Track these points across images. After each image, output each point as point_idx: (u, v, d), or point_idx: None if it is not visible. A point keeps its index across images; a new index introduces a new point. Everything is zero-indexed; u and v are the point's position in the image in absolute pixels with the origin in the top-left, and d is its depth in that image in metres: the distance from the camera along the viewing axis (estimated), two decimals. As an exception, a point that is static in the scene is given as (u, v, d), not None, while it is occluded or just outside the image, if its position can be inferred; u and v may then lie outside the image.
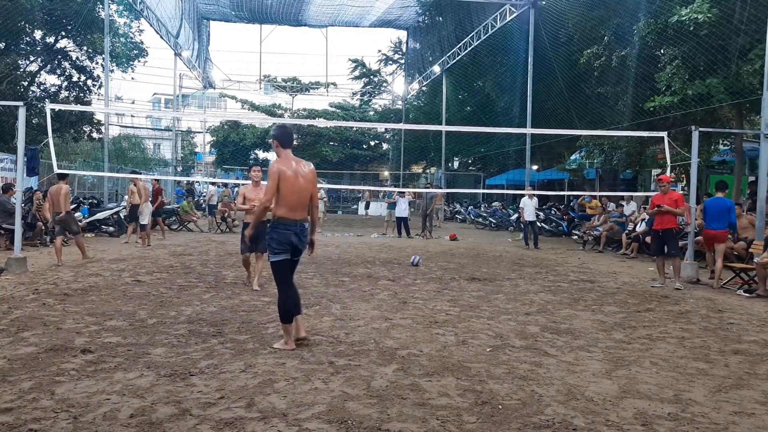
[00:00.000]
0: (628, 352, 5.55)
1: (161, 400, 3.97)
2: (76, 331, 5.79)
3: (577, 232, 18.75)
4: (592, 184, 24.42)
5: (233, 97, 44.30)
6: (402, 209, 19.47)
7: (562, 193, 22.80)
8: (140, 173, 16.66)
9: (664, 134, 10.94)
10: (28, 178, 13.53)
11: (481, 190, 27.79)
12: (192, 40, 31.20)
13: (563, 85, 19.67)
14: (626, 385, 4.55)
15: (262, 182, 8.19)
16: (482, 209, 26.64)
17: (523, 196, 17.92)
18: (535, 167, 26.29)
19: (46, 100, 11.15)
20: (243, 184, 10.08)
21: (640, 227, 14.66)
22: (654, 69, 15.16)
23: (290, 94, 45.23)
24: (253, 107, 44.18)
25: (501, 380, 4.58)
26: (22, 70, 19.54)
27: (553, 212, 22.17)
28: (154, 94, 60.55)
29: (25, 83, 19.84)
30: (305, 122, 40.40)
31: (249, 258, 8.71)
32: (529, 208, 16.74)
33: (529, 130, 19.78)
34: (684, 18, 13.33)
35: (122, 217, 16.20)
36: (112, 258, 11.75)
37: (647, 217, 14.39)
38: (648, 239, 12.81)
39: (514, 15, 21.95)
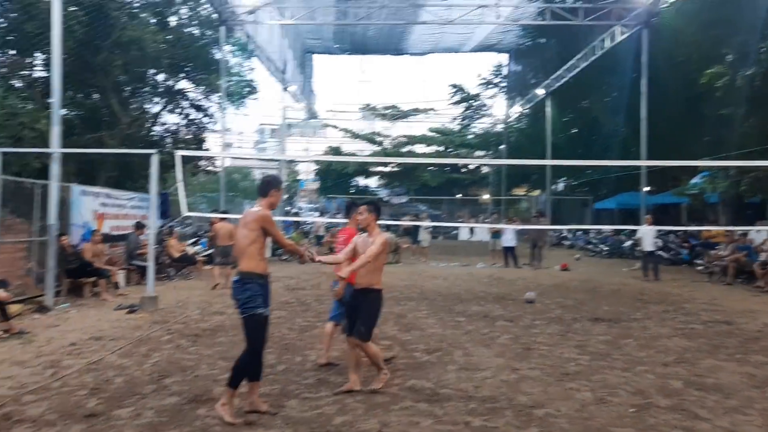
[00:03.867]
0: (789, 416, 5.06)
1: (306, 464, 3.98)
2: (213, 378, 5.97)
3: (700, 262, 17.62)
4: (714, 210, 22.92)
5: (335, 126, 45.53)
6: (509, 238, 19.08)
7: (681, 228, 21.23)
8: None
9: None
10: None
11: (596, 227, 26.18)
12: (297, 74, 32.32)
13: (679, 107, 18.70)
14: (798, 462, 4.13)
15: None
16: (592, 235, 25.64)
17: (638, 224, 17.11)
18: (647, 189, 25.07)
19: (176, 150, 11.96)
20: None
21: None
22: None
23: (390, 122, 45.87)
24: (354, 135, 45.15)
25: (654, 451, 4.28)
26: (147, 112, 20.95)
27: (671, 239, 21.00)
28: (260, 124, 63.26)
29: (149, 124, 21.22)
30: (398, 160, 40.55)
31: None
32: (647, 237, 15.93)
33: (644, 162, 18.83)
34: (820, 33, 12.36)
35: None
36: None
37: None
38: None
39: (625, 36, 21.18)
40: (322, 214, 35.93)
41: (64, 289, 10.84)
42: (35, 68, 16.05)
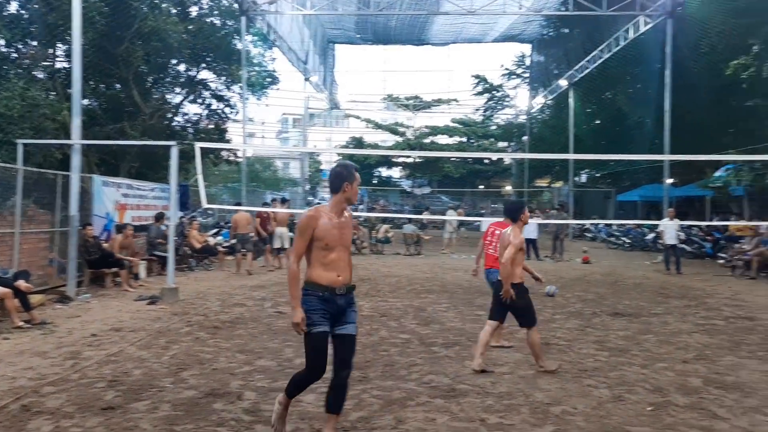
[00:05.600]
0: (812, 417, 4.95)
1: (319, 460, 3.98)
2: (230, 371, 6.00)
3: (723, 255, 17.36)
4: (738, 203, 22.55)
5: (357, 117, 45.54)
6: (530, 230, 18.91)
7: (704, 223, 20.89)
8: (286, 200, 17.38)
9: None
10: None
11: (617, 221, 25.92)
12: (319, 64, 32.30)
13: (705, 98, 18.34)
14: (822, 466, 4.04)
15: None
16: (615, 228, 25.35)
17: (661, 217, 16.88)
18: (670, 180, 24.71)
19: (196, 142, 12.13)
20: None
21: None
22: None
23: (412, 112, 45.74)
24: (377, 126, 45.12)
25: (672, 452, 4.22)
26: (168, 103, 21.07)
27: (694, 232, 20.69)
28: (283, 114, 63.49)
29: (170, 114, 21.35)
30: (420, 153, 40.36)
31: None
32: (670, 230, 15.71)
33: (667, 157, 18.51)
34: None
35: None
36: (253, 285, 12.25)
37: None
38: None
39: (649, 26, 20.80)
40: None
41: (85, 280, 10.99)
42: (57, 59, 16.19)
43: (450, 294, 11.44)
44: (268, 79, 27.47)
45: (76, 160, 10.05)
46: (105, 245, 11.80)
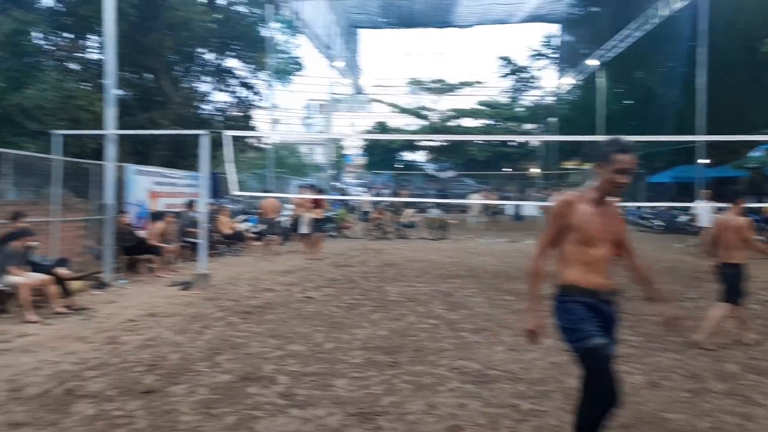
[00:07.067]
0: None
1: (354, 444, 4.04)
2: (263, 356, 6.10)
3: (761, 238, 17.01)
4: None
5: (381, 101, 45.39)
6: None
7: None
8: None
9: None
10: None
11: (647, 204, 25.59)
12: (343, 49, 32.29)
13: (739, 77, 17.92)
14: None
15: None
16: (646, 210, 24.99)
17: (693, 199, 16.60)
18: (704, 161, 24.21)
19: (225, 131, 12.23)
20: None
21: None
22: None
23: (437, 95, 45.42)
24: (401, 110, 44.92)
25: (707, 438, 4.20)
26: (197, 91, 21.25)
27: (728, 215, 20.27)
28: (308, 100, 63.55)
29: (198, 103, 21.52)
30: (445, 137, 40.06)
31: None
32: (705, 212, 15.45)
33: (700, 138, 18.15)
34: None
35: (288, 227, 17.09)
36: (280, 270, 12.37)
37: None
38: None
39: (681, 3, 20.34)
40: (368, 189, 36.02)
41: (122, 266, 11.21)
42: (89, 50, 16.43)
43: (477, 279, 11.42)
44: (294, 66, 27.59)
45: (111, 150, 10.23)
46: (142, 233, 12.03)
